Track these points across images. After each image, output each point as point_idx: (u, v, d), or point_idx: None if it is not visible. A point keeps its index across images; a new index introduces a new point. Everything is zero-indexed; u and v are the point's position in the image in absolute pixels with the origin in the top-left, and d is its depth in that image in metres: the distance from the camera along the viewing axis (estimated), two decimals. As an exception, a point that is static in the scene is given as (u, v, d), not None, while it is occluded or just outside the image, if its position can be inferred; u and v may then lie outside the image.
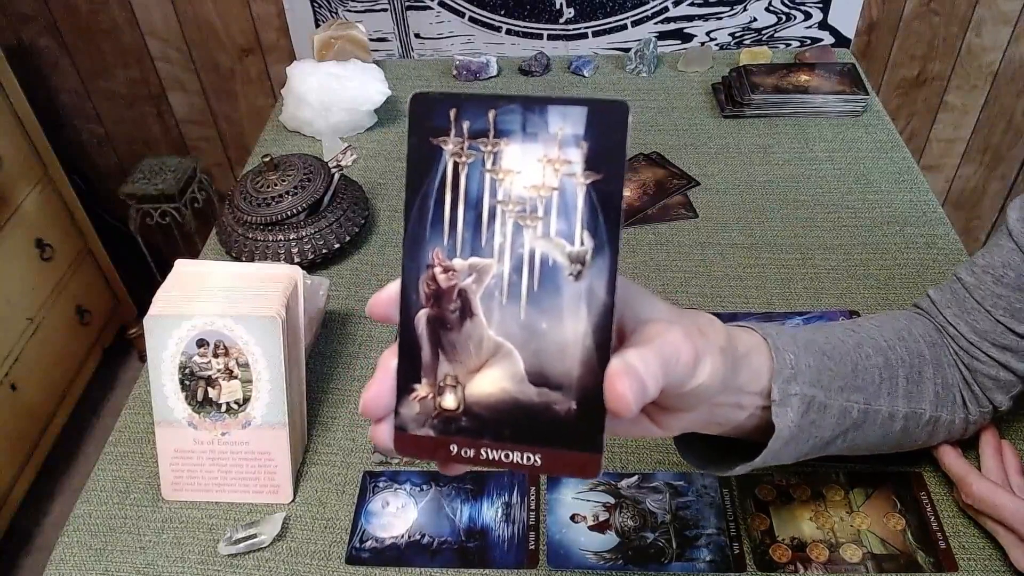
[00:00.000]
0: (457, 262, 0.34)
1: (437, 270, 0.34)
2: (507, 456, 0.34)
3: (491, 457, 0.34)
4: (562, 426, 0.33)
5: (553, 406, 0.33)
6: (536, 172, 0.33)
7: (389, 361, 0.35)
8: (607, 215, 0.32)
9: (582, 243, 0.33)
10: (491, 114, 0.33)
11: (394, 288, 0.35)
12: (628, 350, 0.33)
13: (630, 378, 0.32)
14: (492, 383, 0.34)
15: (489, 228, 0.33)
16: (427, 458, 0.35)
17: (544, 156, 0.33)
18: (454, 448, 0.34)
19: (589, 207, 0.32)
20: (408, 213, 0.34)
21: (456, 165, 0.33)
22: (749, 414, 0.45)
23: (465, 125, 0.33)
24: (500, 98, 0.33)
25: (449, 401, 0.34)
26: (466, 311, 0.34)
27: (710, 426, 0.45)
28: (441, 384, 0.34)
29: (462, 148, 0.33)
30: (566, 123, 0.32)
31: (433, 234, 0.34)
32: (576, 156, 0.32)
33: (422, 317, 0.34)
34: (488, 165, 0.33)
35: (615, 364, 0.32)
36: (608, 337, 0.33)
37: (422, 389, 0.34)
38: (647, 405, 0.39)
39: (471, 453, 0.34)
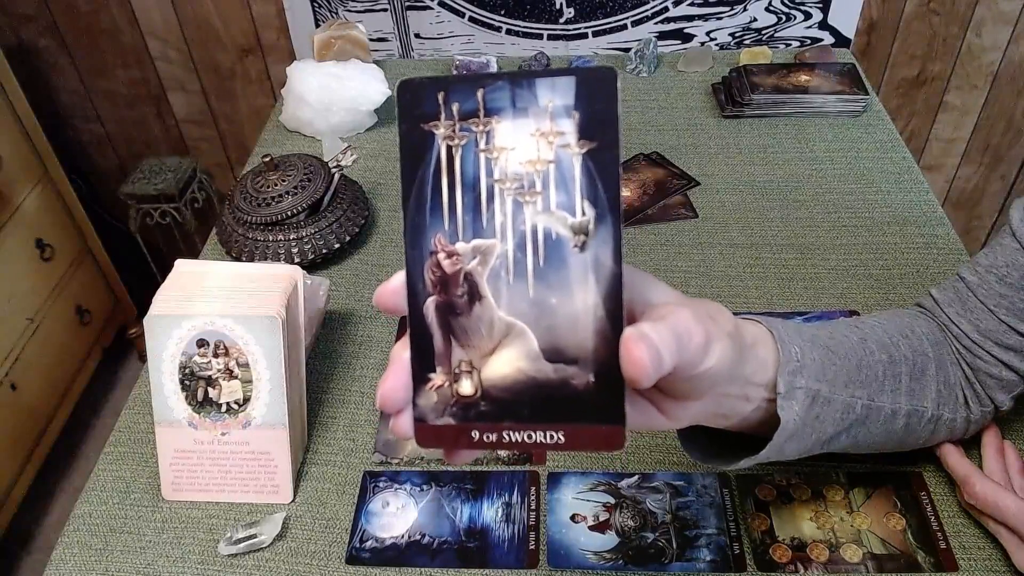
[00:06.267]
0: (460, 246, 0.33)
1: (441, 256, 0.33)
2: (530, 436, 0.34)
3: (514, 439, 0.34)
4: (582, 400, 0.33)
5: (571, 381, 0.33)
6: (530, 147, 0.32)
7: (401, 353, 0.34)
8: (606, 183, 0.32)
9: (583, 213, 0.32)
10: (479, 93, 0.33)
11: (400, 278, 0.34)
12: (641, 323, 0.33)
13: (646, 344, 0.32)
14: (507, 364, 0.33)
15: (489, 208, 0.33)
16: (450, 447, 0.35)
17: (537, 130, 0.32)
18: (476, 434, 0.34)
19: (587, 176, 0.32)
20: (406, 202, 0.33)
21: (449, 148, 0.33)
22: (755, 406, 0.45)
23: (454, 107, 0.33)
24: (487, 76, 0.33)
25: (466, 387, 0.34)
26: (474, 294, 0.33)
27: (716, 418, 0.44)
28: (456, 371, 0.34)
29: (454, 130, 0.33)
30: (555, 94, 0.32)
31: (433, 220, 0.33)
32: (569, 126, 0.32)
33: (430, 305, 0.34)
34: (481, 145, 0.33)
35: (630, 331, 0.32)
36: (619, 306, 0.32)
37: (437, 378, 0.34)
38: (654, 394, 0.39)
39: (493, 437, 0.34)
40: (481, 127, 0.33)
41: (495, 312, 0.33)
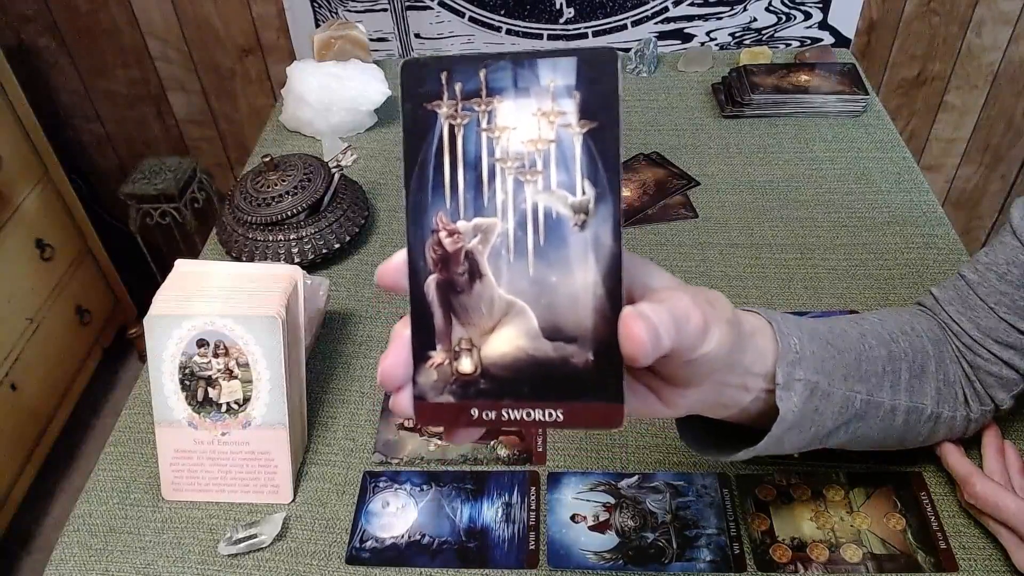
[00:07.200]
0: (461, 224, 0.33)
1: (442, 234, 0.34)
2: (529, 414, 0.34)
3: (513, 417, 0.34)
4: (581, 378, 0.33)
5: (570, 359, 0.33)
6: (532, 126, 0.33)
7: (402, 331, 0.35)
8: (606, 162, 0.32)
9: (584, 192, 0.33)
10: (482, 73, 0.33)
11: (401, 256, 0.34)
12: (640, 303, 0.34)
13: (644, 322, 0.32)
14: (507, 342, 0.34)
15: (490, 187, 0.33)
16: (449, 425, 0.35)
17: (538, 109, 0.33)
18: (475, 412, 0.34)
19: (588, 156, 0.32)
20: (408, 181, 0.34)
21: (452, 128, 0.33)
22: (753, 397, 0.45)
23: (457, 87, 0.33)
24: (489, 56, 0.33)
25: (466, 365, 0.34)
26: (475, 272, 0.34)
27: (716, 408, 0.45)
28: (456, 349, 0.34)
29: (456, 110, 0.33)
30: (557, 75, 0.32)
31: (435, 199, 0.34)
32: (570, 106, 0.32)
33: (431, 283, 0.34)
34: (483, 124, 0.33)
35: (628, 309, 0.33)
36: (618, 284, 0.33)
37: (437, 356, 0.34)
38: (654, 381, 0.39)
39: (492, 415, 0.34)
40: (483, 107, 0.33)
41: (495, 290, 0.34)
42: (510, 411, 0.34)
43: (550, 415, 0.34)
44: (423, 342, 0.34)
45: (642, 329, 0.32)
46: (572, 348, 0.33)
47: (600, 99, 0.32)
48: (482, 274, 0.34)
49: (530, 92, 0.33)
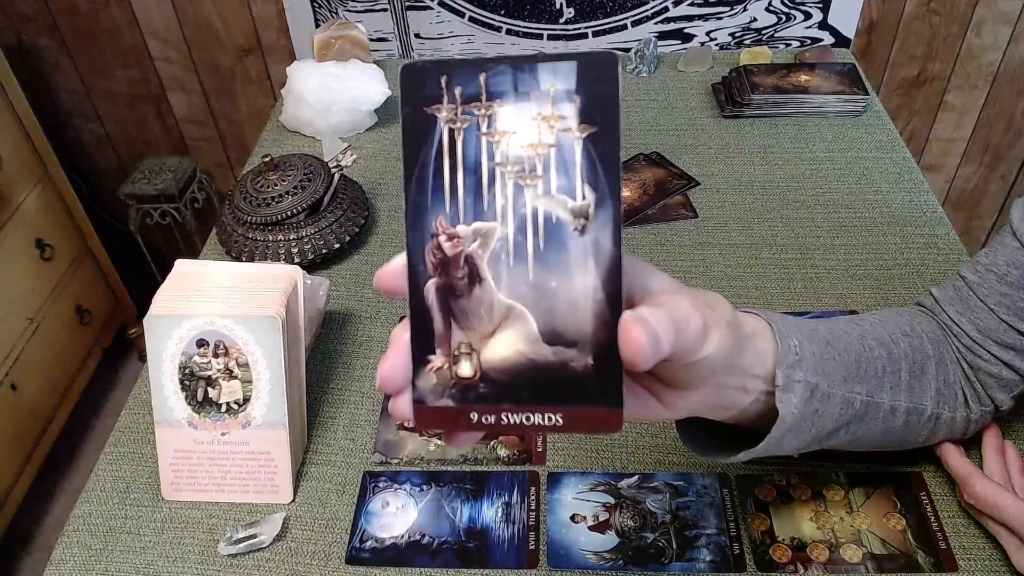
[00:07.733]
0: (461, 228, 0.33)
1: (442, 238, 0.34)
2: (528, 419, 0.34)
3: (512, 421, 0.34)
4: (580, 383, 0.33)
5: (569, 363, 0.33)
6: (532, 130, 0.33)
7: (401, 335, 0.35)
8: (606, 167, 0.32)
9: (584, 197, 0.33)
10: (482, 77, 0.33)
11: (400, 260, 0.34)
12: (639, 307, 0.34)
13: (644, 327, 0.32)
14: (507, 346, 0.34)
15: (490, 191, 0.33)
16: (448, 429, 0.35)
17: (538, 114, 0.33)
18: (474, 416, 0.34)
19: (587, 160, 0.33)
20: (408, 185, 0.34)
21: (451, 132, 0.33)
22: (753, 399, 0.45)
23: (457, 91, 0.33)
24: (489, 60, 0.33)
25: (465, 369, 0.34)
26: (474, 277, 0.34)
27: (716, 410, 0.45)
28: (456, 353, 0.34)
29: (456, 114, 0.33)
30: (557, 79, 0.32)
31: (435, 203, 0.34)
32: (570, 111, 0.32)
33: (431, 287, 0.34)
34: (483, 128, 0.33)
35: (628, 314, 0.33)
36: (618, 289, 0.33)
37: (437, 360, 0.34)
38: (654, 384, 0.39)
39: (492, 419, 0.34)
40: (483, 111, 0.33)
41: (495, 294, 0.34)
42: (509, 415, 0.34)
43: (549, 419, 0.34)
44: (422, 346, 0.34)
45: (642, 334, 0.32)
46: (572, 352, 0.33)
47: (600, 103, 0.32)
48: (482, 278, 0.34)
49: (530, 96, 0.33)
